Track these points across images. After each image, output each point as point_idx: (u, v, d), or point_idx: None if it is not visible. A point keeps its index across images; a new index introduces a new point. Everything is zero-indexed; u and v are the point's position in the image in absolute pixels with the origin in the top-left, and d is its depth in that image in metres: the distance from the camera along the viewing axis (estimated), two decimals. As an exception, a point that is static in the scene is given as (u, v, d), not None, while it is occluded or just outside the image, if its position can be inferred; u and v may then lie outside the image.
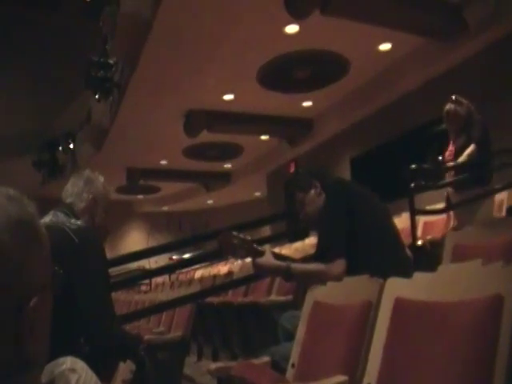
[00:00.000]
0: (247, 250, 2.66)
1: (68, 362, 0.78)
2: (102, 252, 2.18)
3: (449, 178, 4.97)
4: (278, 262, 2.61)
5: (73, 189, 2.33)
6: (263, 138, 12.67)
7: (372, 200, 2.69)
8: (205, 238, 5.41)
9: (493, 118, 7.49)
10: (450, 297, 1.63)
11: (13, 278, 0.64)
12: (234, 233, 2.68)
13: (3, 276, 0.63)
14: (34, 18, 9.95)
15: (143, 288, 10.13)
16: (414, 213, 4.22)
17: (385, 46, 8.32)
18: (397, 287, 1.87)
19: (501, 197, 5.60)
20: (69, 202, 2.29)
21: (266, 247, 2.71)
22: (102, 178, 2.41)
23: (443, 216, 5.58)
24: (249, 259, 2.97)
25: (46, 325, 0.69)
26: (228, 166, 15.33)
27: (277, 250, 8.15)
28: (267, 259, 2.60)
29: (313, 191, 2.70)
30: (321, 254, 2.68)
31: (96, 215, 2.32)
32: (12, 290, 0.64)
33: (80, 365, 0.79)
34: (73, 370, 0.77)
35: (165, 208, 19.34)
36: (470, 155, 4.68)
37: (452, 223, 5.24)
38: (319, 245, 2.80)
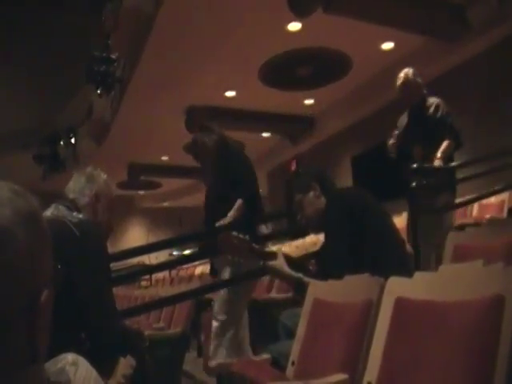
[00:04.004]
0: (246, 249, 2.67)
1: (69, 357, 0.79)
2: (103, 246, 2.18)
3: None
4: (289, 272, 2.61)
5: (75, 185, 2.33)
6: (264, 135, 12.67)
7: (372, 201, 2.69)
8: (205, 234, 5.40)
9: (496, 118, 7.51)
10: (450, 297, 1.63)
11: (25, 272, 0.64)
12: (234, 233, 2.68)
13: (17, 270, 0.63)
14: (35, 13, 9.94)
15: (143, 283, 10.13)
16: (415, 212, 4.22)
17: (387, 45, 8.31)
18: (398, 286, 1.87)
19: (502, 198, 5.60)
20: (71, 198, 2.29)
21: (278, 250, 2.71)
22: (104, 175, 2.41)
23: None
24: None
25: (49, 318, 0.70)
26: (229, 163, 15.32)
27: (276, 247, 8.15)
28: (280, 264, 2.60)
29: (311, 193, 2.71)
30: (322, 260, 2.70)
31: (98, 211, 2.33)
32: (25, 285, 0.64)
33: (80, 360, 0.80)
34: (73, 365, 0.77)
35: (165, 204, 19.34)
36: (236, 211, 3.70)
37: None
38: (322, 253, 2.81)
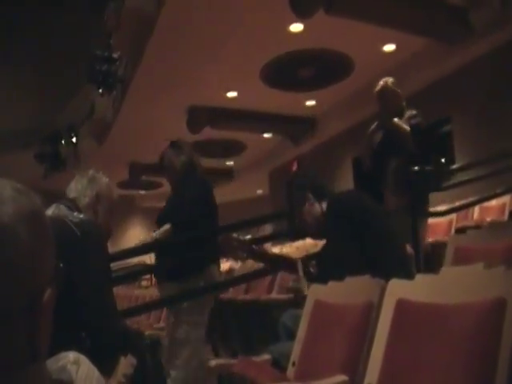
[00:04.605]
0: (247, 251, 2.70)
1: (70, 355, 0.79)
2: (103, 246, 2.19)
3: None
4: None
5: (76, 186, 2.35)
6: (266, 135, 12.67)
7: (371, 203, 2.70)
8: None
9: (497, 120, 7.51)
10: (451, 299, 1.63)
11: (27, 271, 0.64)
12: (234, 235, 2.71)
13: (18, 268, 0.63)
14: (37, 13, 9.94)
15: (144, 283, 10.13)
16: (416, 215, 4.21)
17: (389, 47, 8.31)
18: (399, 288, 1.87)
19: (503, 200, 5.60)
20: (72, 197, 2.30)
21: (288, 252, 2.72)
22: (106, 178, 2.43)
23: (445, 218, 5.59)
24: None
25: (50, 317, 0.69)
26: (230, 163, 15.33)
27: (278, 248, 8.16)
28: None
29: (306, 204, 2.73)
30: (323, 261, 2.71)
31: (98, 213, 2.34)
32: (26, 283, 0.64)
33: (82, 358, 0.80)
34: (75, 364, 0.77)
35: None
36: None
37: None
38: (323, 255, 2.82)
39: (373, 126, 4.26)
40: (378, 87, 4.26)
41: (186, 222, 3.28)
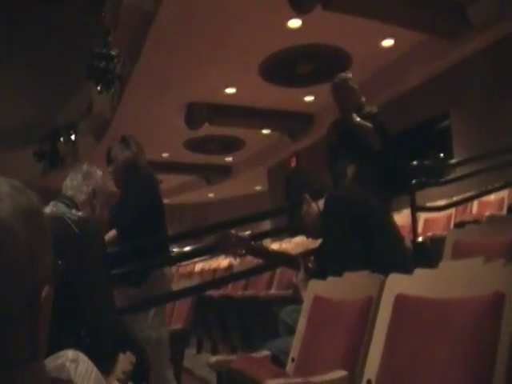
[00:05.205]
0: (245, 247, 2.70)
1: (69, 353, 0.79)
2: (102, 244, 2.19)
3: None
4: None
5: (72, 182, 2.34)
6: (265, 131, 12.66)
7: (370, 199, 2.70)
8: (205, 231, 5.43)
9: (496, 115, 7.50)
10: (450, 294, 1.63)
11: (26, 268, 0.64)
12: (232, 231, 2.71)
13: (17, 266, 0.63)
14: (37, 10, 9.94)
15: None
16: (415, 209, 4.22)
17: (387, 42, 8.30)
18: (398, 283, 1.87)
19: (502, 195, 5.60)
20: (69, 195, 2.30)
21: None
22: (100, 172, 2.42)
23: (444, 213, 5.59)
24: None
25: (49, 314, 0.69)
26: (229, 159, 15.32)
27: (277, 244, 8.16)
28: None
29: (304, 206, 2.72)
30: (322, 257, 2.71)
31: (95, 208, 2.34)
32: (25, 280, 0.64)
33: (81, 356, 0.80)
34: (74, 362, 0.77)
35: (166, 201, 19.24)
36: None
37: None
38: (322, 250, 2.82)
39: (332, 124, 4.08)
40: (334, 84, 4.02)
41: (128, 225, 3.12)
